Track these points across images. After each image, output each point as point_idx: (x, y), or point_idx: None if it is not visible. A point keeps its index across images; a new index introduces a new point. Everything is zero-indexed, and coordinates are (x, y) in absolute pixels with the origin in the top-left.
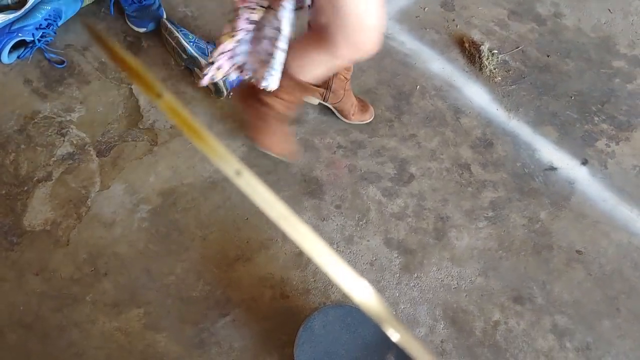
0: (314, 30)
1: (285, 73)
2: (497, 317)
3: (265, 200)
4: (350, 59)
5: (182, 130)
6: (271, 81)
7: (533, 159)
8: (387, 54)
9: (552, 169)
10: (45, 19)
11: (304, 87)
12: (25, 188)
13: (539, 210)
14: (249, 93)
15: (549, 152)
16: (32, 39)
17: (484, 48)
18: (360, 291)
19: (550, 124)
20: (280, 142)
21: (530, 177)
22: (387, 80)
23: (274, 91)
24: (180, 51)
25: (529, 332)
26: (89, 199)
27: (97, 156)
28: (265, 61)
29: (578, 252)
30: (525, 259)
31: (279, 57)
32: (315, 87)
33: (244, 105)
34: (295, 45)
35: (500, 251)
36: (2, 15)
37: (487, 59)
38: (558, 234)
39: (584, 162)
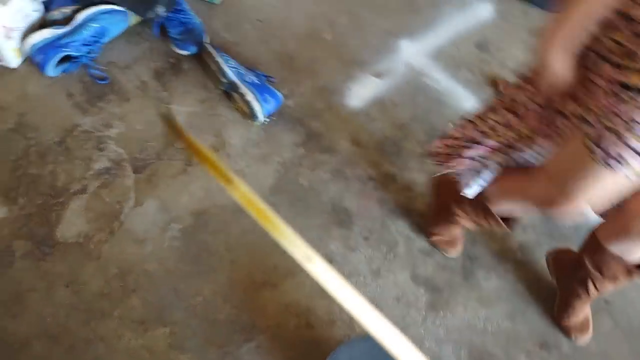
0: (530, 175)
1: (483, 193)
2: None
3: (338, 288)
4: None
5: (254, 215)
6: (471, 192)
7: None
8: (421, 90)
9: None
10: (92, 36)
11: (489, 214)
12: (61, 199)
13: None
14: (447, 185)
15: None
16: (78, 54)
17: None
18: (383, 330)
19: None
20: (447, 240)
21: (560, 223)
22: (420, 116)
23: (466, 201)
24: (220, 75)
25: None
26: (122, 214)
27: (133, 172)
28: (478, 171)
29: (606, 302)
30: (553, 305)
31: (488, 176)
32: (498, 220)
33: (438, 193)
34: (508, 176)
35: (528, 295)
36: (51, 29)
37: None
38: None
39: None
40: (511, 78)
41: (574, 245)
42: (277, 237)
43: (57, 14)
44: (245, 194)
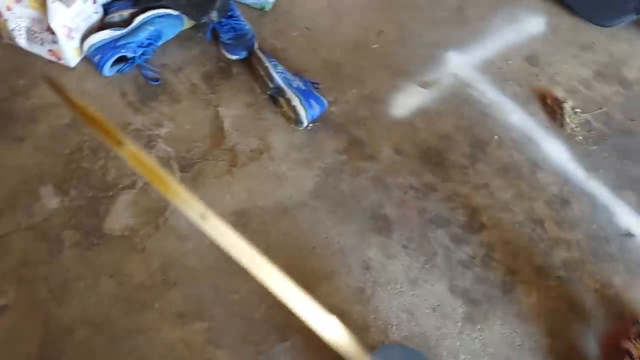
0: None
1: None
2: None
3: (232, 243)
4: None
5: (146, 176)
6: None
7: (610, 222)
8: (466, 101)
9: (630, 235)
10: (148, 39)
11: None
12: (110, 193)
13: (613, 276)
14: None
15: (628, 217)
16: (133, 55)
17: (567, 105)
18: (331, 327)
19: (631, 189)
20: None
21: (605, 241)
22: (464, 128)
23: None
24: (267, 80)
25: None
26: (168, 211)
27: (179, 171)
28: None
29: None
30: (595, 325)
31: None
32: None
33: (614, 343)
34: None
35: (570, 313)
36: (110, 31)
37: (570, 117)
38: (631, 303)
39: None
40: (560, 93)
41: (620, 265)
42: (171, 198)
43: (116, 16)
44: (135, 155)
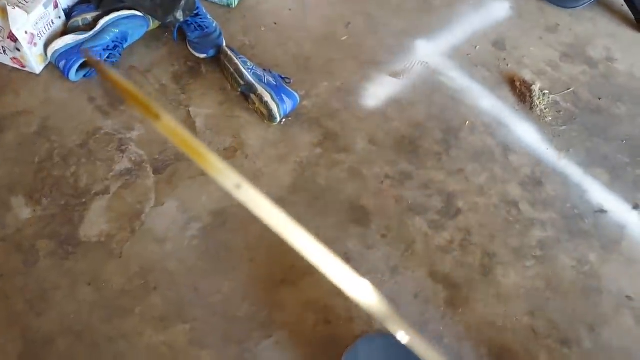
0: None
1: None
2: (544, 359)
3: (267, 211)
4: None
5: (185, 151)
6: None
7: (583, 200)
8: (437, 89)
9: (603, 211)
10: (113, 41)
11: None
12: (84, 200)
13: (589, 253)
14: None
15: (600, 194)
16: (100, 59)
17: (535, 88)
18: (363, 291)
19: (601, 166)
20: None
21: (580, 219)
22: (436, 115)
23: None
24: (237, 77)
25: None
26: (144, 214)
27: (153, 173)
28: None
29: (628, 297)
30: (574, 301)
31: None
32: None
33: None
34: None
35: (548, 291)
36: (73, 36)
37: (539, 98)
38: (607, 278)
39: (636, 207)
40: (528, 75)
41: (595, 242)
42: (208, 170)
43: (79, 20)
44: (173, 129)
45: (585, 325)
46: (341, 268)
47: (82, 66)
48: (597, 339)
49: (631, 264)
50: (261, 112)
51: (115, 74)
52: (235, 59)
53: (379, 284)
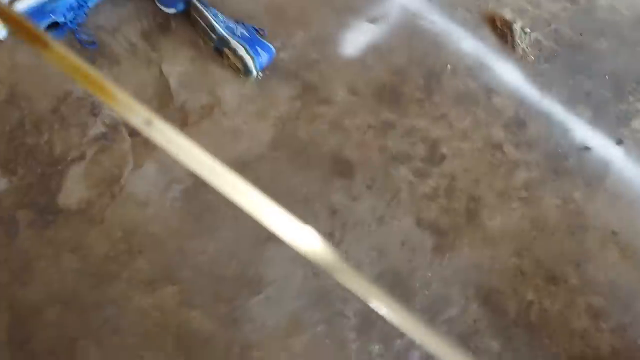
0: None
1: None
2: (531, 298)
3: (182, 149)
4: None
5: (77, 81)
6: None
7: (567, 138)
8: (416, 33)
9: (587, 148)
10: (77, 0)
11: None
12: (59, 167)
13: (573, 191)
14: None
15: (583, 131)
16: (64, 20)
17: (516, 27)
18: (307, 239)
19: (584, 103)
20: None
21: (564, 157)
22: (417, 60)
23: None
24: (209, 31)
25: (563, 312)
26: (122, 178)
27: (129, 136)
28: None
29: (613, 232)
30: (560, 240)
31: None
32: None
33: None
34: None
35: (534, 232)
36: None
37: (520, 37)
38: (593, 214)
39: (619, 142)
40: (508, 14)
41: (579, 180)
42: (112, 104)
43: None
44: (65, 58)
45: (572, 263)
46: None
47: (48, 28)
48: (583, 275)
49: (616, 200)
50: (236, 67)
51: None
52: (205, 12)
53: (366, 235)
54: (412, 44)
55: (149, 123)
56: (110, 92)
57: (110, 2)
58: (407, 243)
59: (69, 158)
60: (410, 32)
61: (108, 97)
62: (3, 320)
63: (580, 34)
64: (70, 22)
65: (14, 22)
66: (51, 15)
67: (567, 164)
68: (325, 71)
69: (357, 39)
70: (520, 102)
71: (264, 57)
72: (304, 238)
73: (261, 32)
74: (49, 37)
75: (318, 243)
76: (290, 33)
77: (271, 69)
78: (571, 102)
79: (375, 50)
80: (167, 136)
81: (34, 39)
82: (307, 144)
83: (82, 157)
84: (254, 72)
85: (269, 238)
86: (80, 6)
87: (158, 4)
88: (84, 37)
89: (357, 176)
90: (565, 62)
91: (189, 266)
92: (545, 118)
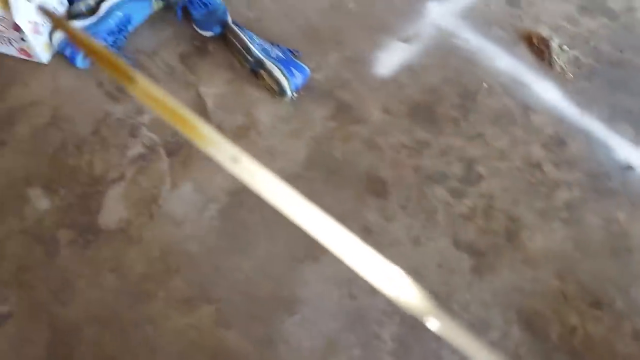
0: None
1: None
2: (574, 322)
3: (269, 186)
4: None
5: (163, 115)
6: None
7: (609, 157)
8: (451, 51)
9: (630, 168)
10: (117, 25)
11: None
12: (100, 188)
13: (617, 211)
14: None
15: (626, 150)
16: (105, 44)
17: (554, 44)
18: (396, 281)
19: (626, 121)
20: None
21: (606, 177)
22: (451, 79)
23: None
24: (245, 53)
25: (608, 337)
26: (160, 198)
27: (167, 156)
28: None
29: None
30: (603, 262)
31: None
32: None
33: None
34: None
35: (577, 253)
36: (77, 21)
37: (557, 55)
38: (637, 236)
39: None
40: (545, 31)
41: (623, 200)
42: (198, 141)
43: (81, 5)
44: (153, 94)
45: (616, 286)
46: (355, 245)
47: None
48: (629, 299)
49: None
50: (271, 88)
51: (82, 33)
52: (241, 34)
53: (401, 256)
54: (446, 63)
55: (235, 160)
56: (196, 128)
57: (150, 26)
58: (444, 264)
59: (108, 178)
60: (444, 50)
61: (194, 133)
62: (43, 338)
63: (621, 51)
64: (111, 45)
65: (99, 56)
66: None
67: (609, 184)
68: (359, 91)
69: (390, 58)
70: (559, 120)
71: (299, 78)
72: (394, 281)
73: (296, 54)
74: (135, 72)
75: (410, 288)
76: (324, 54)
77: (306, 90)
78: (612, 120)
79: (409, 70)
80: (254, 173)
81: (120, 74)
82: (342, 163)
83: (121, 177)
84: (289, 93)
85: (305, 257)
86: (120, 30)
87: (196, 28)
88: (124, 59)
89: (391, 196)
90: (606, 80)
91: (225, 285)
92: (586, 136)
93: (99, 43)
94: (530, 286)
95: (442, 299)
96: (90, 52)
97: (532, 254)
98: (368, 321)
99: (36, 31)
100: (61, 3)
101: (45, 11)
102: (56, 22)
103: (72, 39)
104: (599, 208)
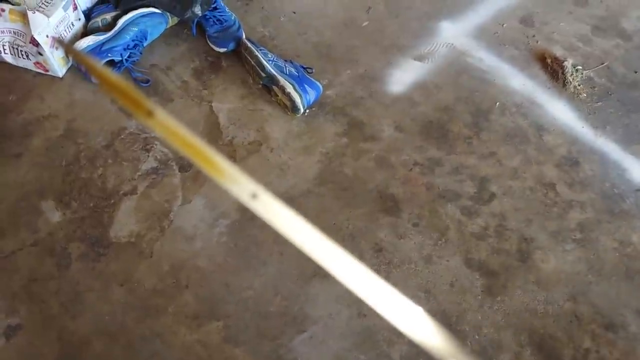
0: None
1: None
2: (588, 345)
3: (288, 224)
4: None
5: (183, 150)
6: None
7: (623, 179)
8: (464, 70)
9: None
10: (133, 40)
11: None
12: (112, 201)
13: (631, 233)
14: None
15: None
16: (120, 58)
17: (568, 64)
18: (418, 322)
19: None
20: None
21: (620, 198)
22: (464, 97)
23: None
24: (259, 69)
25: None
26: (172, 213)
27: (179, 171)
28: None
29: None
30: (617, 284)
31: None
32: None
33: None
34: None
35: (590, 275)
36: (93, 37)
37: (571, 75)
38: None
39: None
40: (559, 52)
41: (637, 221)
42: (217, 177)
43: (98, 21)
44: (170, 127)
45: (631, 309)
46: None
47: (106, 65)
48: None
49: None
50: (284, 104)
51: (99, 65)
52: (255, 51)
53: (413, 274)
54: (459, 82)
55: (254, 197)
56: (216, 163)
57: (164, 42)
58: (456, 284)
59: (121, 192)
60: (457, 69)
61: (213, 168)
62: (53, 350)
63: (635, 72)
64: (126, 60)
65: (117, 90)
66: (109, 54)
67: (623, 205)
68: (372, 108)
69: (403, 76)
70: (573, 140)
71: (312, 95)
72: (414, 320)
73: (309, 70)
74: (153, 105)
75: (432, 328)
76: (337, 71)
77: (318, 106)
78: (627, 141)
79: (421, 88)
80: (272, 210)
81: (138, 108)
82: (353, 180)
83: (133, 191)
84: (302, 109)
85: (314, 275)
86: (135, 45)
87: (210, 44)
88: (139, 75)
89: (403, 213)
90: (620, 100)
91: (234, 301)
92: (600, 157)
93: (116, 76)
94: (543, 308)
95: (454, 319)
96: (107, 86)
97: (544, 275)
98: (378, 340)
99: (53, 46)
100: (79, 19)
101: (63, 44)
102: (75, 57)
103: (91, 73)
104: (612, 229)
